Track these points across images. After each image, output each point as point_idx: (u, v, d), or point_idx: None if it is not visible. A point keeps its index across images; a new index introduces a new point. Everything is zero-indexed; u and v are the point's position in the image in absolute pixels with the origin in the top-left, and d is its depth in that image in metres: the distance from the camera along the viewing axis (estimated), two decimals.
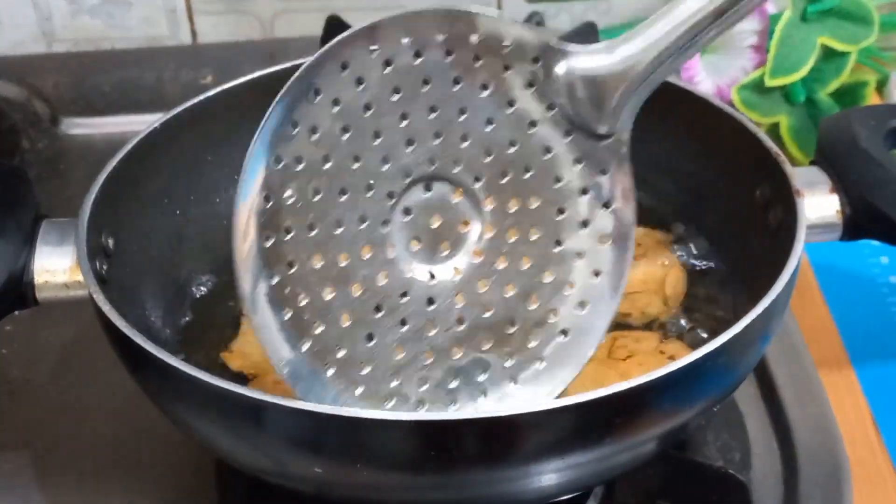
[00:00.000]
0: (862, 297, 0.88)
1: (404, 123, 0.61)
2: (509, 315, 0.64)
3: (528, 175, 0.63)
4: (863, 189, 0.70)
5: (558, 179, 0.63)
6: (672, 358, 0.69)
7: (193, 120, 0.79)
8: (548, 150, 0.63)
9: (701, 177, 0.78)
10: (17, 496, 0.72)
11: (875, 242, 0.92)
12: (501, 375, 0.64)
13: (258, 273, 0.60)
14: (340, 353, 0.62)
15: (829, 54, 1.00)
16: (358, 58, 0.60)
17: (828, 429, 0.73)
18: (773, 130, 0.99)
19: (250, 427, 0.57)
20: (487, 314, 0.64)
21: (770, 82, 0.98)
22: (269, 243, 0.60)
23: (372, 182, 0.61)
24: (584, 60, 0.61)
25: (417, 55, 0.60)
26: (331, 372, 0.62)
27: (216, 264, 0.79)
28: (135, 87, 1.12)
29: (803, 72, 0.98)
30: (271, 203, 0.60)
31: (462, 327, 0.63)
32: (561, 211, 0.64)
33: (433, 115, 0.61)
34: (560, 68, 0.61)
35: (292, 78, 0.59)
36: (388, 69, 0.60)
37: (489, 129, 0.62)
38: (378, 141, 0.61)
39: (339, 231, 0.61)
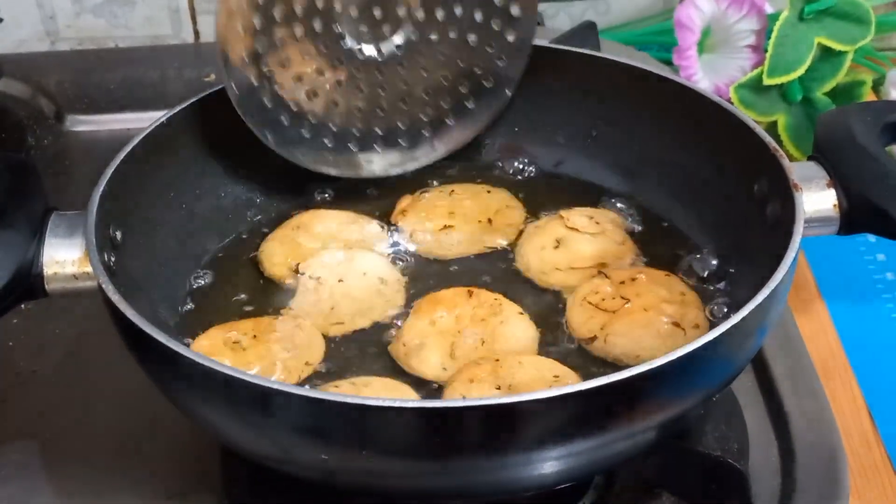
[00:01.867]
0: (858, 292, 0.89)
1: None
2: (444, 72, 0.83)
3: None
4: (859, 183, 0.71)
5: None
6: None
7: (198, 116, 0.80)
8: None
9: (699, 172, 0.79)
10: (24, 485, 0.73)
11: (872, 239, 0.93)
12: (441, 114, 0.85)
13: (240, 63, 0.76)
14: (314, 120, 0.81)
15: (826, 54, 1.01)
16: None
17: (824, 420, 0.74)
18: (771, 129, 1.00)
19: (257, 413, 0.58)
20: (426, 74, 0.83)
21: (768, 81, 0.99)
22: (247, 41, 0.76)
23: None
24: None
25: None
26: (307, 134, 0.81)
27: (220, 256, 0.81)
28: (138, 85, 1.13)
29: (800, 71, 0.99)
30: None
31: (406, 87, 0.83)
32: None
33: None
34: None
35: None
36: None
37: None
38: None
39: (300, 32, 0.78)
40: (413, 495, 0.65)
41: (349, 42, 0.80)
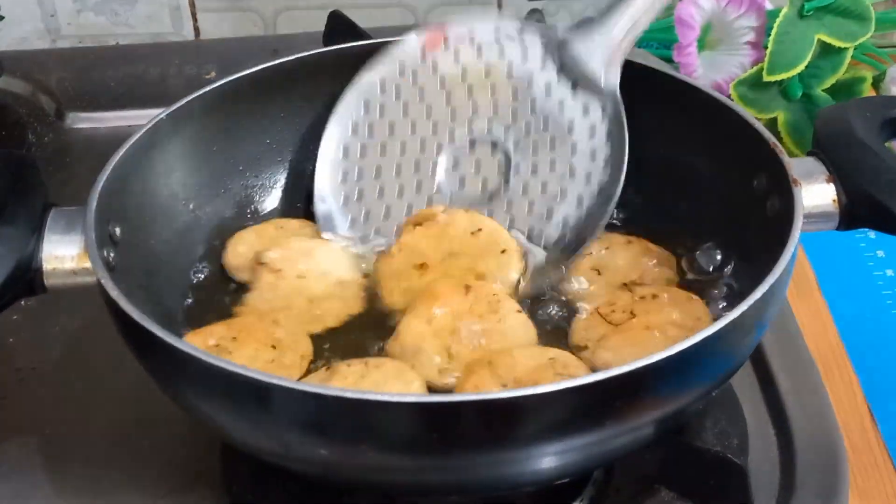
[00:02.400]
0: (858, 289, 0.89)
1: (447, 102, 0.83)
2: (530, 226, 0.80)
3: (548, 128, 0.81)
4: (859, 178, 0.70)
5: (571, 124, 0.80)
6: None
7: (198, 112, 0.80)
8: (561, 103, 0.81)
9: (699, 168, 0.79)
10: (24, 481, 0.73)
11: (872, 235, 0.93)
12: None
13: (332, 194, 0.82)
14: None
15: (826, 50, 1.01)
16: (413, 61, 0.83)
17: (824, 416, 0.74)
18: (771, 126, 1.00)
19: (257, 409, 0.58)
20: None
21: (768, 78, 0.99)
22: (341, 178, 0.83)
23: (423, 143, 0.82)
24: (580, 42, 0.81)
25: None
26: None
27: (220, 253, 0.81)
28: (139, 82, 1.13)
29: (800, 68, 0.99)
30: (344, 156, 0.83)
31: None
32: (574, 148, 0.80)
33: (470, 97, 0.83)
34: (568, 50, 0.81)
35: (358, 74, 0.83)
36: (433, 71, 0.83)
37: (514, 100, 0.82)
38: (429, 117, 0.82)
39: (395, 175, 0.82)
40: (412, 491, 0.65)
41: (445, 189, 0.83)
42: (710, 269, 0.77)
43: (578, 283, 0.77)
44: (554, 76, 0.81)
